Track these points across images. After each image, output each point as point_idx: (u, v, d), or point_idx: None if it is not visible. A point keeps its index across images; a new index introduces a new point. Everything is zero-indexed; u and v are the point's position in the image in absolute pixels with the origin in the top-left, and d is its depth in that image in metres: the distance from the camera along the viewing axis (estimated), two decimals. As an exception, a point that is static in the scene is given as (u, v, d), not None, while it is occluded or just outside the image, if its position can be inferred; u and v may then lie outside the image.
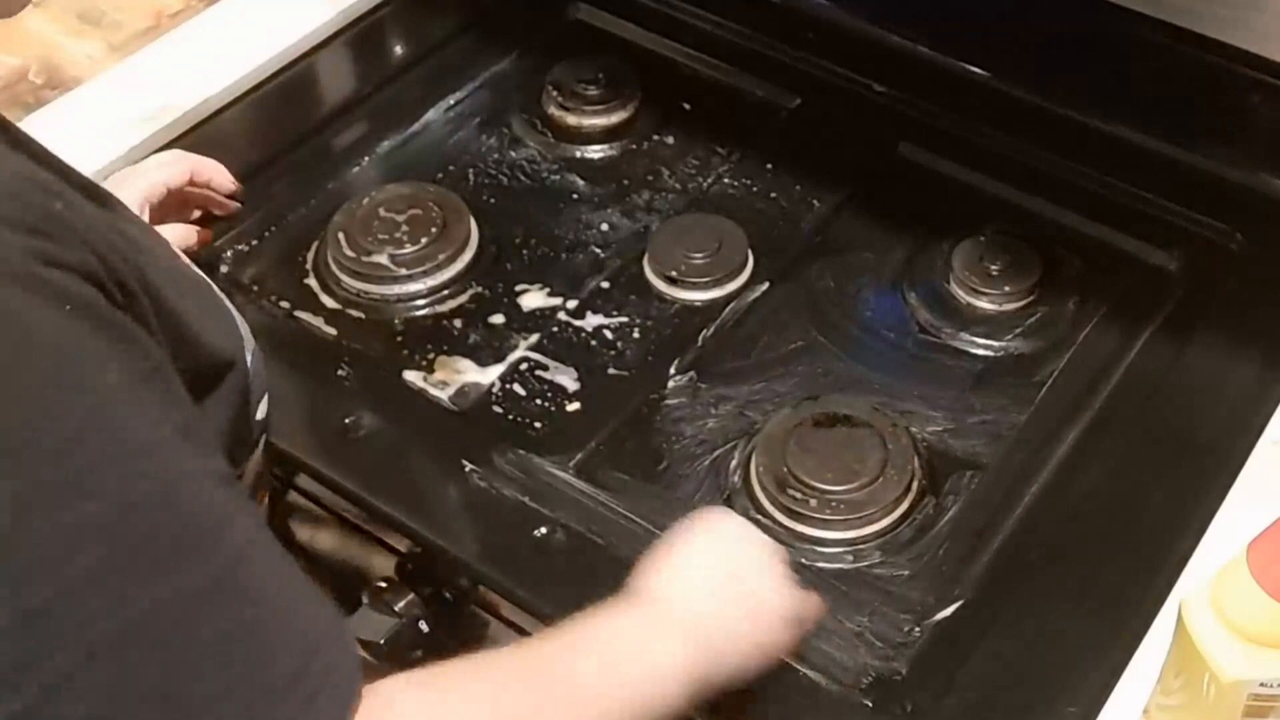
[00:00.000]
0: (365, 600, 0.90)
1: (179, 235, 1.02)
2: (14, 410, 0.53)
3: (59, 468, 0.53)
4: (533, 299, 1.05)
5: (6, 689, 0.52)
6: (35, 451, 0.53)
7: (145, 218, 0.98)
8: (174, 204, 1.02)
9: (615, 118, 1.18)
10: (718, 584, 0.74)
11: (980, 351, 1.00)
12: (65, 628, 0.53)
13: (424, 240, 1.05)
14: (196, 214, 1.06)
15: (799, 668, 0.81)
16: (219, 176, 1.06)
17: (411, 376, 0.99)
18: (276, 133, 1.18)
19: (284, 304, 1.04)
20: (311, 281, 1.06)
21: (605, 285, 1.05)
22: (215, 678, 0.55)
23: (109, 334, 0.57)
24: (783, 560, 0.77)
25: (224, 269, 1.06)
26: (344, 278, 1.05)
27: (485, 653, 0.69)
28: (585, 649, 0.70)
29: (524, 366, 1.00)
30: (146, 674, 0.54)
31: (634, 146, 1.17)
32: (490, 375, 0.99)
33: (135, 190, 0.99)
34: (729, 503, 0.91)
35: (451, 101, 1.21)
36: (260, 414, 0.79)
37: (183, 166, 1.04)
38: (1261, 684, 0.69)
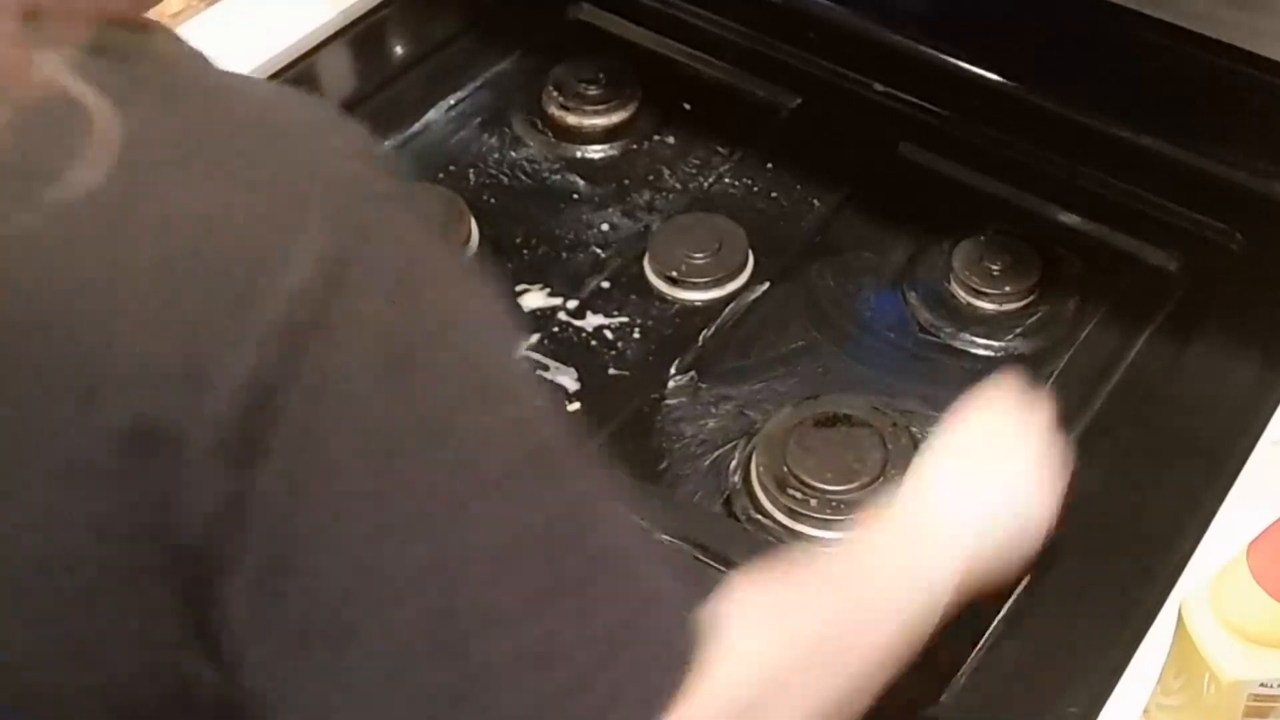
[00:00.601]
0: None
1: None
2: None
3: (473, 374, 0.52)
4: (533, 299, 1.05)
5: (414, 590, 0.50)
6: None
7: None
8: None
9: (615, 118, 1.18)
10: (988, 498, 0.74)
11: (980, 351, 1.00)
12: (482, 525, 0.51)
13: (424, 240, 1.05)
14: None
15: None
16: None
17: (412, 376, 0.99)
18: (277, 133, 1.17)
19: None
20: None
21: (605, 285, 1.05)
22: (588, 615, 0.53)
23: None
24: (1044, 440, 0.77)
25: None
26: (344, 278, 1.05)
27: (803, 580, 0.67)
28: (879, 578, 0.69)
29: (524, 366, 1.00)
30: (542, 573, 0.52)
31: (634, 146, 1.17)
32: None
33: None
34: (729, 503, 0.91)
35: (452, 101, 1.21)
36: None
37: None
38: (1261, 684, 0.69)
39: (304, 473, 0.49)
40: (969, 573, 0.71)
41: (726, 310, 1.03)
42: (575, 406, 0.97)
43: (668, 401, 0.97)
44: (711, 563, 0.87)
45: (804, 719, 0.61)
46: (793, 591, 0.65)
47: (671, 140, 1.17)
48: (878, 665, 0.66)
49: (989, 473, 0.76)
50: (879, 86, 1.17)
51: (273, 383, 0.48)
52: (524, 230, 1.10)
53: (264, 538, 0.49)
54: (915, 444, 0.92)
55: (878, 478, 0.90)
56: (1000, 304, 1.02)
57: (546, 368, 0.99)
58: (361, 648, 0.50)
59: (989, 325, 1.01)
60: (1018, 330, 1.01)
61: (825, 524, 0.89)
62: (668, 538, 0.88)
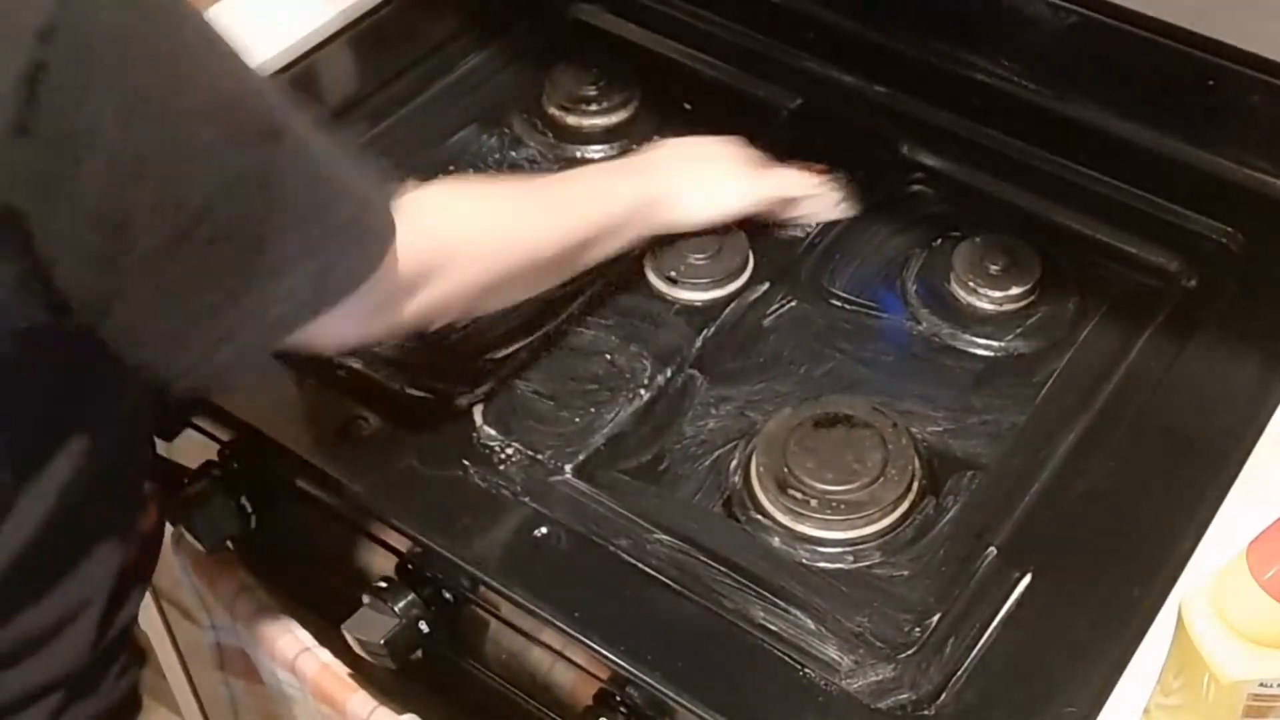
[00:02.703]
0: (365, 600, 0.90)
1: None
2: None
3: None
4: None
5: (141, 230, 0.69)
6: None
7: None
8: None
9: (615, 118, 1.18)
10: (681, 159, 1.05)
11: (980, 351, 1.00)
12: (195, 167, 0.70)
13: (424, 240, 1.05)
14: None
15: (800, 667, 0.81)
16: None
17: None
18: (277, 133, 1.17)
19: (284, 304, 1.04)
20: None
21: (605, 285, 1.05)
22: (295, 214, 0.74)
23: None
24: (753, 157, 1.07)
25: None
26: (344, 278, 1.05)
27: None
28: (544, 183, 1.02)
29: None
30: (251, 211, 0.72)
31: (634, 146, 1.16)
32: (490, 375, 0.99)
33: None
34: (729, 503, 0.91)
35: (452, 101, 1.21)
36: None
37: None
38: (1261, 684, 0.69)
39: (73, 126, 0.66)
40: (660, 199, 1.00)
41: (726, 310, 1.03)
42: (575, 406, 0.97)
43: (668, 401, 0.97)
44: (711, 563, 0.87)
45: (479, 275, 0.87)
46: (483, 184, 0.94)
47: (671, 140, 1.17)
48: (557, 237, 0.93)
49: (691, 149, 1.06)
50: (879, 86, 1.18)
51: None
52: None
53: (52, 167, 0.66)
54: (915, 444, 0.92)
55: (878, 478, 0.90)
56: (1000, 304, 1.02)
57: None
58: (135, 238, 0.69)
59: (989, 325, 1.01)
60: (1018, 330, 1.01)
61: (825, 524, 0.89)
62: (668, 538, 0.88)
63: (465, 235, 0.86)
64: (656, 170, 1.03)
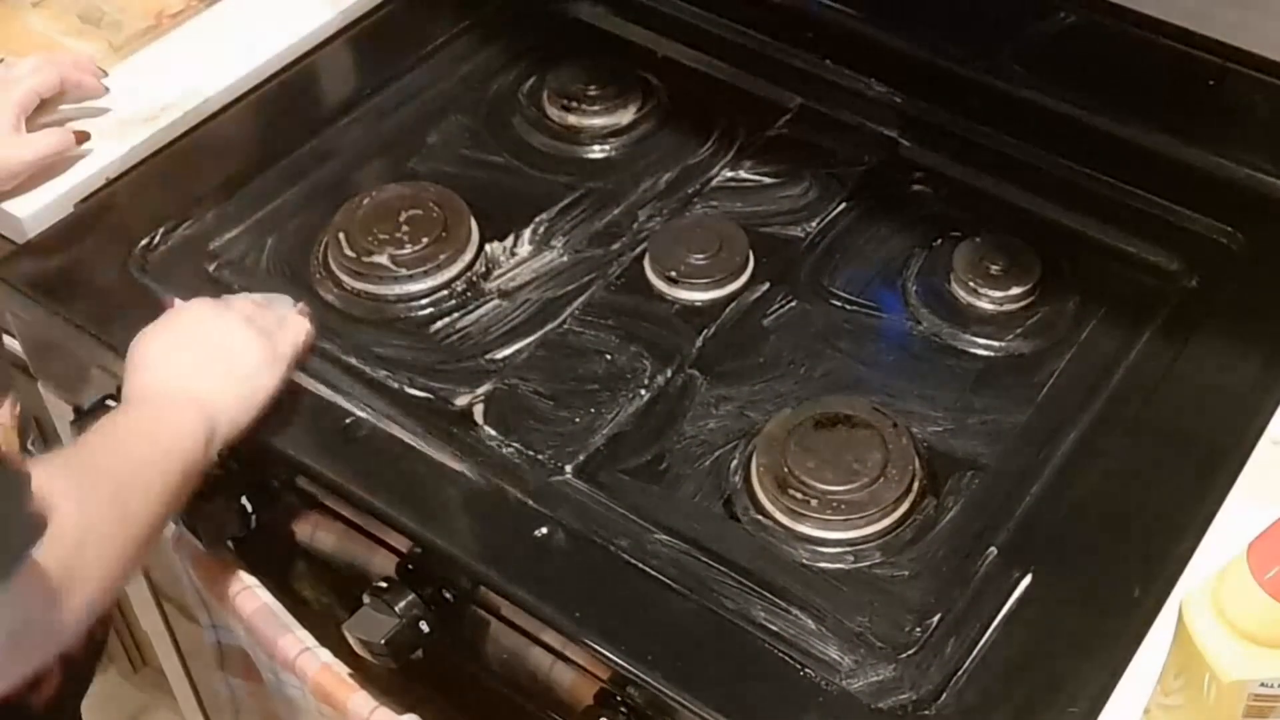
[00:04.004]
0: (365, 600, 0.90)
1: (55, 140, 1.09)
2: None
3: None
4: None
5: None
6: None
7: (21, 127, 1.07)
8: (48, 109, 1.11)
9: (615, 118, 1.18)
10: (203, 359, 0.93)
11: (980, 351, 1.00)
12: None
13: (424, 240, 1.05)
14: (69, 120, 1.12)
15: (800, 667, 0.81)
16: (88, 79, 1.13)
17: (412, 376, 0.99)
18: (276, 133, 1.18)
19: (284, 304, 1.04)
20: (312, 281, 1.06)
21: (606, 285, 1.05)
22: None
23: None
24: (245, 313, 0.96)
25: (223, 268, 1.06)
26: (344, 278, 1.05)
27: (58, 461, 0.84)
28: (120, 451, 0.86)
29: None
30: None
31: (634, 146, 1.17)
32: (491, 376, 0.99)
33: (9, 100, 1.06)
34: (729, 503, 0.91)
35: (451, 101, 1.21)
36: None
37: (52, 72, 1.10)
38: (1262, 684, 0.69)
39: None
40: (218, 418, 0.90)
41: (726, 310, 1.03)
42: (576, 406, 0.97)
43: (668, 401, 0.97)
44: (711, 563, 0.87)
45: (113, 563, 0.79)
46: (77, 460, 0.83)
47: (671, 140, 1.17)
48: (158, 504, 0.84)
49: (200, 342, 0.94)
50: (879, 86, 1.18)
51: None
52: (524, 230, 1.10)
53: None
54: (915, 444, 0.92)
55: (878, 478, 0.90)
56: (1000, 304, 1.02)
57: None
58: None
59: (989, 325, 1.01)
60: (1018, 330, 1.01)
61: (825, 524, 0.89)
62: (668, 538, 0.88)
63: (87, 531, 0.77)
64: (204, 404, 0.90)
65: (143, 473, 0.85)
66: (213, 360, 0.93)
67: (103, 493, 0.80)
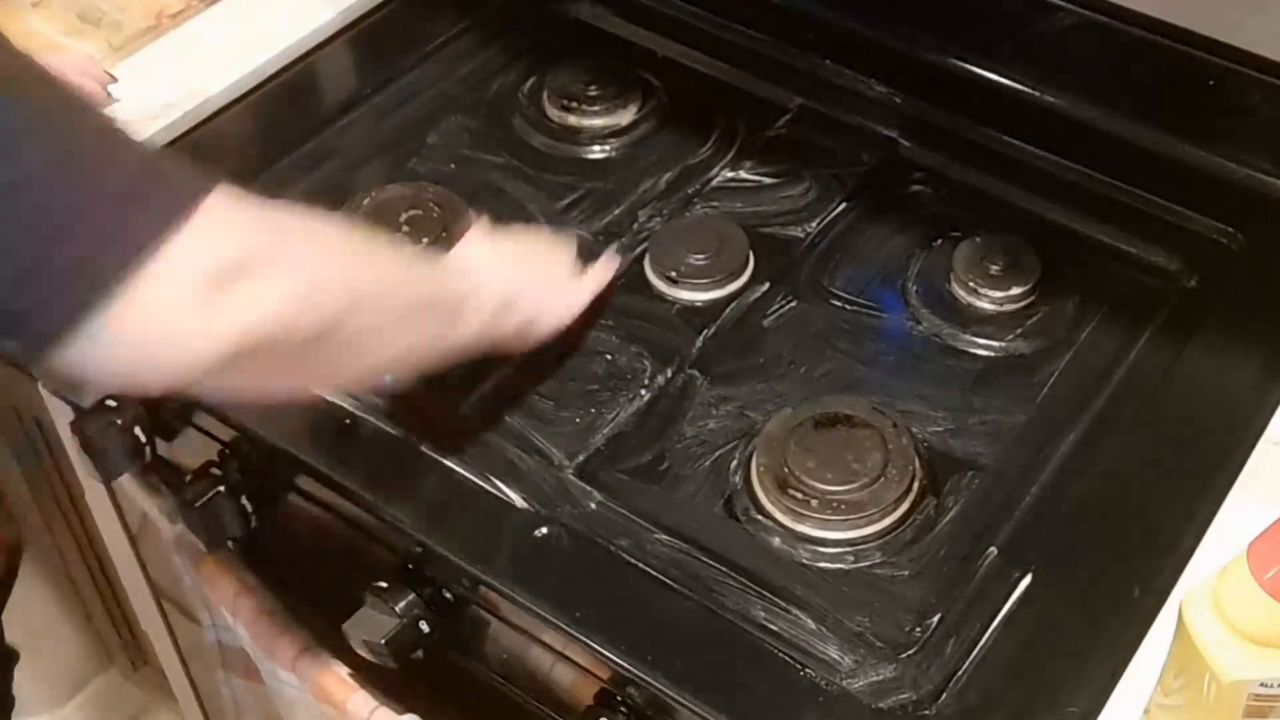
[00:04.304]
0: (366, 600, 0.90)
1: None
2: None
3: None
4: (533, 299, 1.05)
5: None
6: None
7: None
8: None
9: (615, 118, 1.18)
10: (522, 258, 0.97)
11: (980, 351, 1.00)
12: None
13: (425, 240, 1.05)
14: None
15: (800, 667, 0.81)
16: (92, 84, 1.13)
17: (412, 376, 0.99)
18: (277, 133, 1.18)
19: (284, 304, 1.04)
20: (312, 281, 1.06)
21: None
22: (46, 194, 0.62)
23: None
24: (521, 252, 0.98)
25: (224, 269, 1.06)
26: (344, 278, 1.05)
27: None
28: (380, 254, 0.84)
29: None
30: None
31: (634, 146, 1.17)
32: (491, 375, 0.99)
33: None
34: (729, 503, 0.91)
35: (451, 101, 1.21)
36: None
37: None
38: (1262, 684, 0.69)
39: None
40: (479, 311, 0.87)
41: (726, 310, 1.03)
42: (576, 406, 0.97)
43: (668, 401, 0.97)
44: (711, 563, 0.87)
45: (314, 292, 0.71)
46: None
47: (671, 140, 1.17)
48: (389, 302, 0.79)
49: (513, 253, 0.96)
50: (879, 86, 1.18)
51: None
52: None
53: None
54: (915, 444, 0.92)
55: (878, 478, 0.90)
56: (1000, 304, 1.02)
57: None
58: None
59: (989, 325, 1.01)
60: (1018, 330, 1.01)
61: (826, 524, 0.89)
62: (668, 538, 0.88)
63: (291, 234, 0.74)
64: (507, 275, 0.93)
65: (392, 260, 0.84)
66: (516, 270, 0.94)
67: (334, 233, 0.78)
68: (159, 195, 0.65)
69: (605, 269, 1.01)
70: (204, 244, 0.65)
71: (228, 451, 0.99)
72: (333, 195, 1.11)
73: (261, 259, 0.68)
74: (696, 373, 0.99)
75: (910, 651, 0.83)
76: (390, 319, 0.80)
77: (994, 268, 1.03)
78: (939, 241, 1.06)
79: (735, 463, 0.93)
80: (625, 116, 1.18)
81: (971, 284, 1.02)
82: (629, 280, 1.05)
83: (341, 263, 0.76)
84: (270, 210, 0.72)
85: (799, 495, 0.89)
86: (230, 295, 0.65)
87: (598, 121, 1.18)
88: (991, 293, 1.02)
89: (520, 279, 0.94)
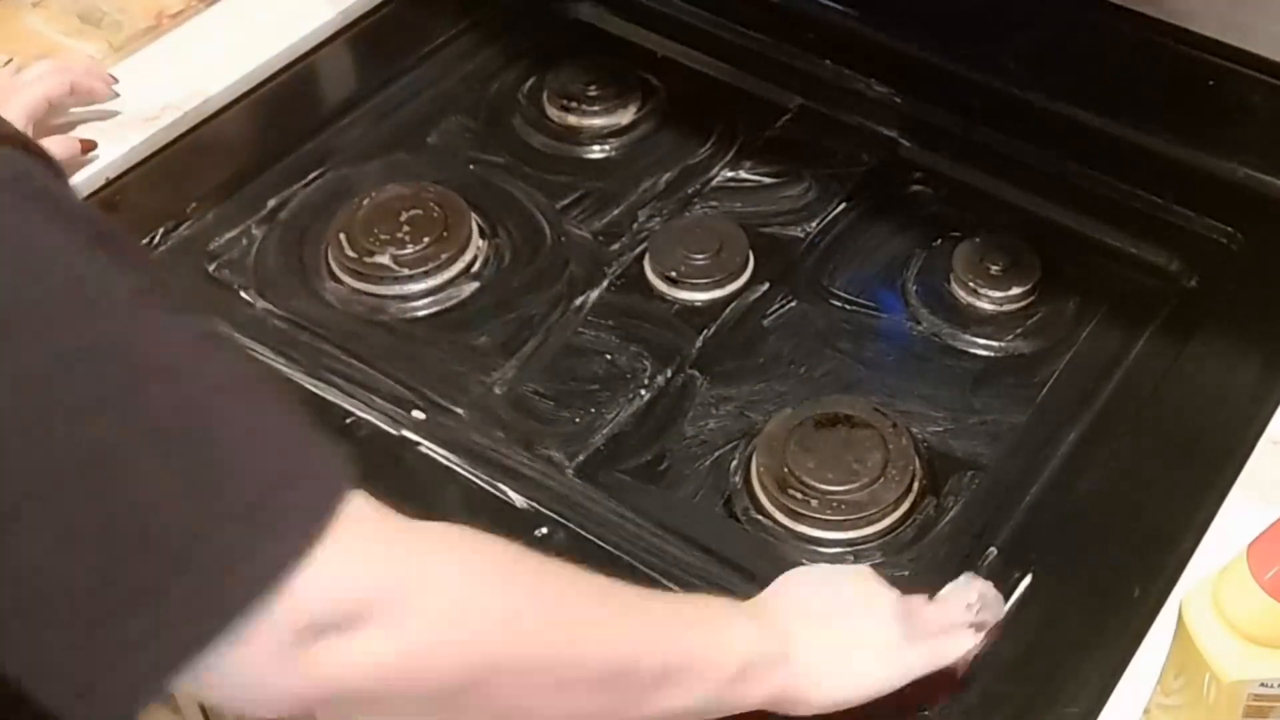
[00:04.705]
0: (366, 600, 0.90)
1: (62, 148, 1.07)
2: None
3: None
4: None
5: None
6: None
7: (30, 133, 1.03)
8: (54, 113, 1.09)
9: (615, 118, 1.18)
10: (817, 607, 0.75)
11: (980, 351, 1.00)
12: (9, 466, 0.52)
13: (425, 240, 1.05)
14: (77, 126, 1.12)
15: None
16: (99, 86, 1.12)
17: (412, 376, 0.99)
18: (277, 133, 1.18)
19: (285, 304, 1.04)
20: (313, 282, 1.06)
21: (606, 285, 1.05)
22: (163, 507, 0.53)
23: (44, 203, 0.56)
24: (898, 605, 0.77)
25: (223, 268, 1.06)
26: (345, 278, 1.05)
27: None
28: (653, 595, 0.71)
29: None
30: (91, 507, 0.53)
31: (634, 146, 1.17)
32: (491, 375, 0.99)
33: (18, 106, 1.05)
34: (729, 503, 0.91)
35: (451, 101, 1.21)
36: None
37: (63, 78, 1.09)
38: (1262, 684, 0.69)
39: None
40: (777, 663, 0.71)
41: (726, 310, 1.03)
42: (576, 406, 0.97)
43: (667, 401, 0.97)
44: (712, 563, 0.87)
45: (464, 647, 0.60)
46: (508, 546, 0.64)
47: (671, 140, 1.17)
48: (614, 665, 0.64)
49: (826, 607, 0.76)
50: (879, 86, 1.18)
51: None
52: (523, 230, 1.10)
53: None
54: (915, 444, 0.92)
55: (878, 478, 0.90)
56: (1000, 304, 1.02)
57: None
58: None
59: (989, 325, 1.01)
60: (1018, 330, 1.01)
61: (825, 524, 0.89)
62: (668, 538, 0.88)
63: (441, 580, 0.62)
64: (786, 628, 0.74)
65: (617, 609, 0.67)
66: (825, 623, 0.75)
67: (523, 572, 0.63)
68: (294, 507, 0.56)
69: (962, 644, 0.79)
70: (328, 582, 0.55)
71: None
72: (333, 195, 1.12)
73: (383, 603, 0.58)
74: (696, 373, 0.99)
75: (910, 651, 0.83)
76: (545, 689, 0.64)
77: (994, 268, 1.03)
78: (939, 241, 1.06)
79: (735, 463, 0.93)
80: (625, 116, 1.18)
81: (971, 284, 1.02)
82: (629, 280, 1.05)
83: (485, 607, 0.62)
84: (411, 531, 0.64)
85: (799, 495, 0.89)
86: (333, 646, 0.56)
87: (598, 121, 1.18)
88: (991, 293, 1.02)
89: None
